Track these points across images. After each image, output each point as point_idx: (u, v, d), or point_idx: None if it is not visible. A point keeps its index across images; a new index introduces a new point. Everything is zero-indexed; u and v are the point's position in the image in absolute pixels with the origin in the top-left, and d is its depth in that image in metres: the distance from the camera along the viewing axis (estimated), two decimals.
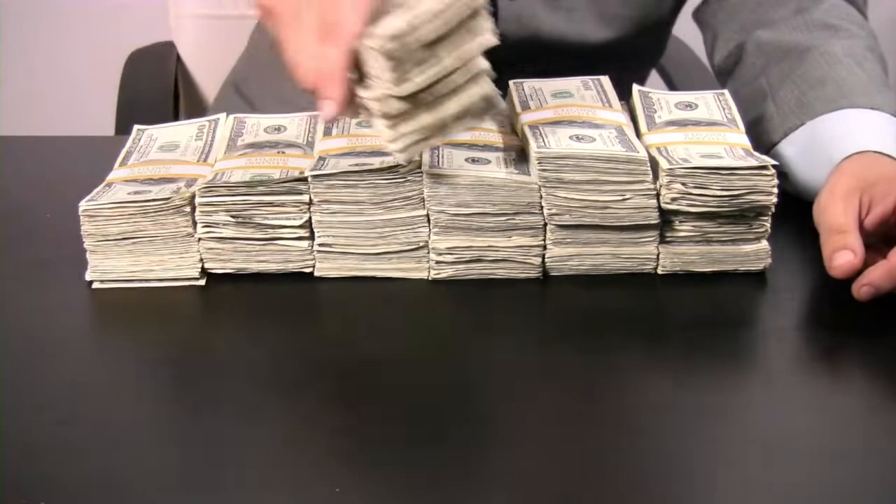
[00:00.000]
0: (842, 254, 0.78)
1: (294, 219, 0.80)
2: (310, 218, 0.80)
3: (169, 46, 1.41)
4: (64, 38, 1.52)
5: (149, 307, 0.79)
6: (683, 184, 0.78)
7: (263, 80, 1.19)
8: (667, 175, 0.78)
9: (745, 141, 0.84)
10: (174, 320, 0.79)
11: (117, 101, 1.34)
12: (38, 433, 0.65)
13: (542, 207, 0.79)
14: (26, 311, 0.78)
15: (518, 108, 0.86)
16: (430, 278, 0.82)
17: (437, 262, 0.81)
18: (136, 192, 0.81)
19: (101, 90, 1.42)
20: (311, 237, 0.81)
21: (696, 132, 0.84)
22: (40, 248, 0.86)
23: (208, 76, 1.38)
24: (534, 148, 0.78)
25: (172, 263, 0.80)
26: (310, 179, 0.79)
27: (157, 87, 1.34)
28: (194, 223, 0.80)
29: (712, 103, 0.88)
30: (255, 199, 0.79)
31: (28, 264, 0.84)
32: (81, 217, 0.80)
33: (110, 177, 0.85)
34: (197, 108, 1.40)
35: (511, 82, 0.89)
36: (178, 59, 1.40)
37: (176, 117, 1.34)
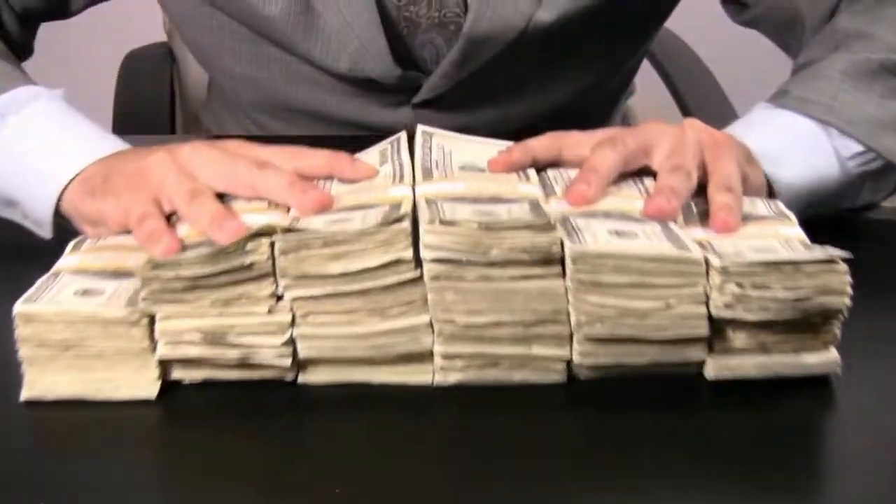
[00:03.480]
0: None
1: (274, 337, 0.67)
2: (291, 335, 0.67)
3: (163, 47, 1.39)
4: (59, 41, 1.52)
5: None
6: (740, 285, 0.65)
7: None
8: (719, 274, 0.65)
9: (800, 233, 0.72)
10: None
11: (114, 102, 1.32)
12: None
13: (569, 315, 0.66)
14: None
15: (541, 192, 0.73)
16: (434, 384, 0.69)
17: (443, 368, 0.68)
18: (84, 293, 0.68)
19: (97, 91, 1.36)
20: (295, 352, 0.68)
21: (742, 227, 0.72)
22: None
23: (203, 77, 1.33)
24: (567, 245, 0.65)
25: (126, 382, 0.67)
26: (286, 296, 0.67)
27: (153, 89, 1.34)
28: (152, 337, 0.67)
29: (758, 201, 0.76)
30: (228, 320, 0.66)
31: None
32: (17, 319, 0.66)
33: (59, 263, 0.73)
34: (192, 108, 1.37)
35: (532, 170, 0.77)
36: (174, 59, 1.38)
37: (172, 119, 1.33)
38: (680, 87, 1.39)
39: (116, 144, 0.82)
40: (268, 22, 1.01)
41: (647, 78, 1.32)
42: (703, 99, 1.39)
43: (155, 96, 1.34)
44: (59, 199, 0.80)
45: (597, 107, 1.21)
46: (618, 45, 1.14)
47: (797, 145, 0.85)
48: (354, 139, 1.06)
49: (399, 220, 0.66)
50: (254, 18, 1.02)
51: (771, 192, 0.82)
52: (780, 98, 0.89)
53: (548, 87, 1.10)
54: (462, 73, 1.04)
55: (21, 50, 1.04)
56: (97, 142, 0.82)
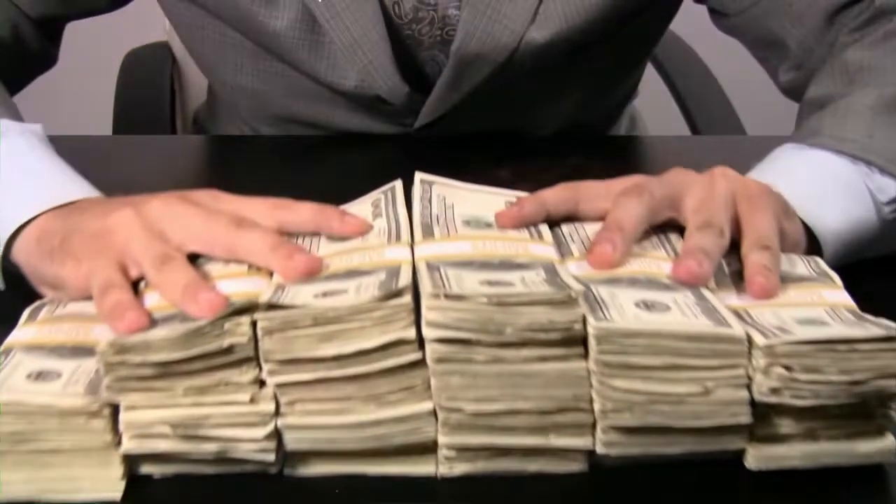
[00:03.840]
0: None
1: (256, 429, 0.58)
2: (276, 426, 0.59)
3: (163, 47, 1.39)
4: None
5: None
6: (788, 367, 0.57)
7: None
8: (765, 355, 0.57)
9: (847, 299, 0.64)
10: None
11: (114, 101, 1.31)
12: None
13: (592, 401, 0.58)
14: None
15: (557, 255, 0.65)
16: (438, 476, 0.61)
17: (447, 459, 0.60)
18: (38, 376, 0.60)
19: (97, 91, 1.41)
20: (279, 444, 0.59)
21: (782, 290, 0.64)
22: None
23: (202, 76, 1.30)
24: (591, 322, 0.57)
25: (87, 481, 0.58)
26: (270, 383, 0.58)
27: (153, 87, 1.34)
28: (116, 430, 0.58)
29: (797, 260, 0.68)
30: (204, 410, 0.58)
31: None
32: None
33: (12, 337, 0.64)
34: (192, 108, 1.37)
35: (544, 226, 0.69)
36: (174, 59, 1.38)
37: (172, 118, 1.32)
38: (681, 88, 1.37)
39: (81, 191, 0.74)
40: (274, 37, 0.98)
41: (649, 78, 1.31)
42: (704, 99, 1.37)
43: (155, 96, 1.33)
44: (10, 249, 0.72)
45: (600, 119, 1.18)
46: (616, 64, 1.10)
47: (835, 190, 0.77)
48: (354, 139, 1.04)
49: (399, 293, 0.58)
50: (260, 33, 0.99)
51: (810, 246, 0.74)
52: (812, 137, 0.81)
53: (546, 107, 1.07)
54: (456, 94, 1.00)
55: (40, 60, 1.01)
56: (58, 188, 0.74)
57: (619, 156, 1.08)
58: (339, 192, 0.93)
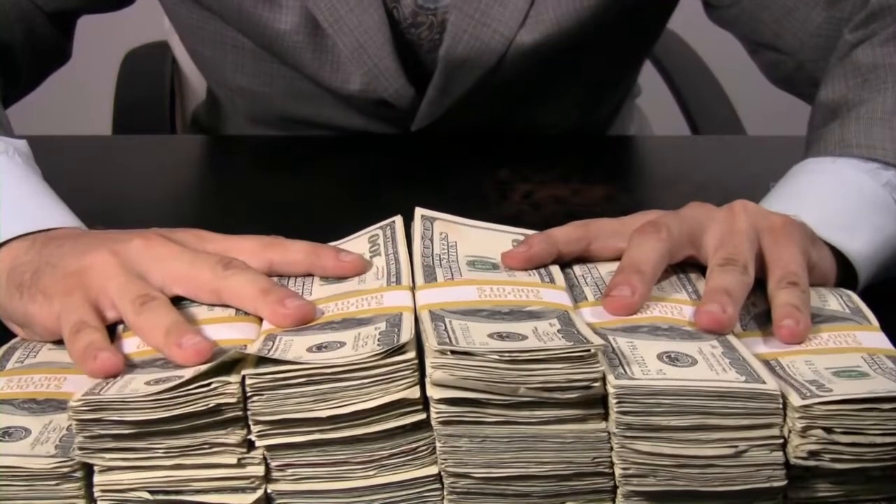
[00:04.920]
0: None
1: (244, 495, 0.53)
2: (266, 492, 0.54)
3: (163, 46, 1.37)
4: None
5: None
6: (828, 429, 0.52)
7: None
8: (802, 416, 0.52)
9: (885, 343, 0.59)
10: None
11: (114, 101, 1.31)
12: None
13: (612, 465, 0.53)
14: None
15: (570, 301, 0.60)
16: None
17: None
18: (3, 434, 0.54)
19: (97, 91, 1.42)
20: None
21: (814, 333, 0.60)
22: None
23: (202, 76, 1.28)
24: (611, 380, 0.52)
25: None
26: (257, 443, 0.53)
27: (152, 87, 1.33)
28: (90, 494, 0.53)
29: (828, 294, 0.63)
30: (186, 473, 0.53)
31: None
32: None
33: None
34: (192, 108, 1.36)
35: (556, 268, 0.64)
36: (174, 59, 1.36)
37: (172, 118, 1.32)
38: (681, 88, 1.36)
39: (59, 218, 0.69)
40: (276, 39, 0.96)
41: (649, 78, 1.30)
42: (704, 99, 1.36)
43: (155, 96, 1.32)
44: None
45: (602, 117, 1.15)
46: (612, 65, 1.08)
47: (863, 208, 0.72)
48: (355, 139, 1.04)
49: (401, 349, 0.53)
50: (263, 36, 0.97)
51: (841, 272, 0.69)
52: (839, 147, 0.76)
53: (542, 107, 1.05)
54: (448, 98, 0.98)
55: (55, 55, 0.99)
56: (35, 214, 0.69)
57: (620, 156, 1.07)
58: (339, 192, 0.92)
